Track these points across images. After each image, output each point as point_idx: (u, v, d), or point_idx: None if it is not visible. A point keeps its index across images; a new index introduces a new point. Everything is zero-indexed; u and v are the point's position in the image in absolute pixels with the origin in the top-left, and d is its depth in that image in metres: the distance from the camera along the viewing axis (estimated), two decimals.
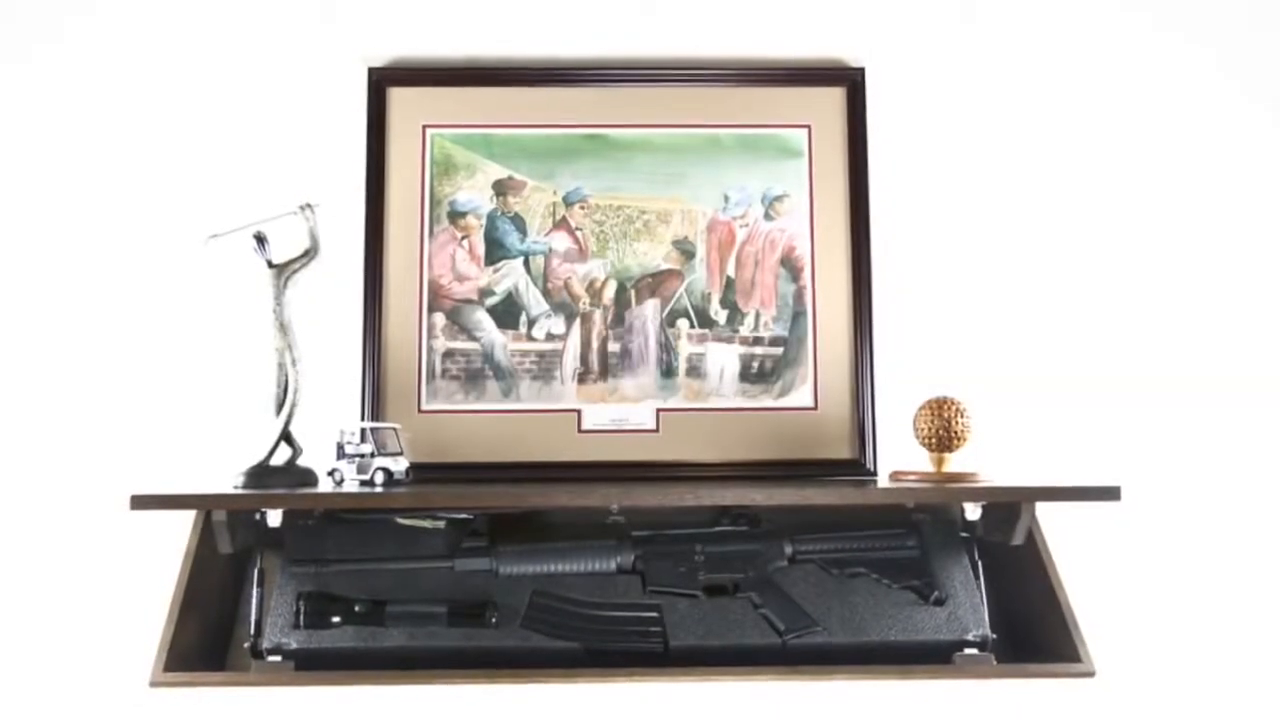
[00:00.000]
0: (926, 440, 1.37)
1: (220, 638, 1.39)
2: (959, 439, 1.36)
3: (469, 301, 1.53)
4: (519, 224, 1.54)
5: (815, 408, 1.52)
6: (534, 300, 1.53)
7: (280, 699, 1.38)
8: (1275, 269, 1.59)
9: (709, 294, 1.54)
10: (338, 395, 1.49)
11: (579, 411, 1.51)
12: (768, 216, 1.56)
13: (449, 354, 1.52)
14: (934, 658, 1.33)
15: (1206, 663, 1.47)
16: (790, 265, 1.55)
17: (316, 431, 1.37)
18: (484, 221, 1.54)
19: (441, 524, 1.38)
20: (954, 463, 1.37)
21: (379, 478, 1.33)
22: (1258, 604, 1.50)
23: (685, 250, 1.55)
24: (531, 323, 1.53)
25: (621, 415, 1.51)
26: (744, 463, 1.50)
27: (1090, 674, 1.31)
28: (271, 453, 1.33)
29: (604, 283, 1.54)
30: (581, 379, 1.52)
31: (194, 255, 1.49)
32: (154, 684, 1.27)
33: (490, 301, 1.53)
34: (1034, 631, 1.38)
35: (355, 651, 1.31)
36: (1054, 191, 1.59)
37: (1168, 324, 1.58)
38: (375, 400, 1.49)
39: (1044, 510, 1.41)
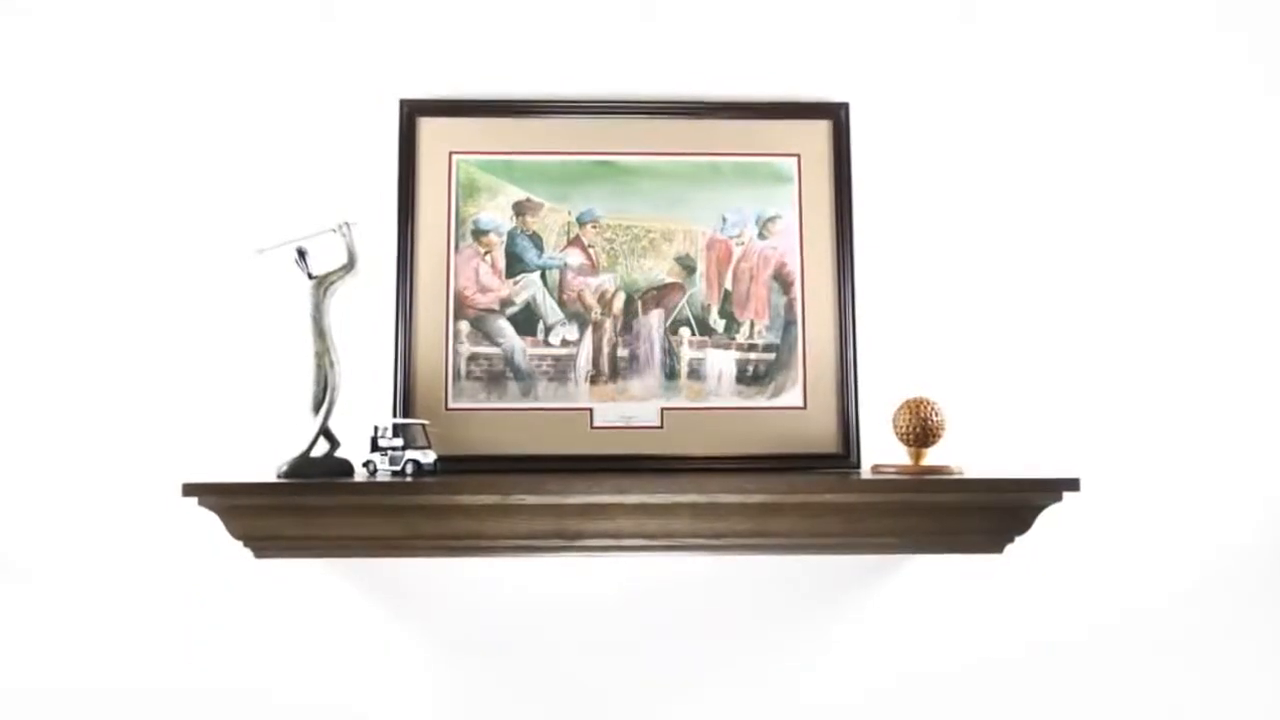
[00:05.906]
0: (905, 436, 1.38)
1: None
2: (934, 435, 1.37)
3: (491, 311, 1.53)
4: (536, 241, 1.55)
5: (804, 407, 1.53)
6: (550, 310, 1.54)
7: None
8: (1215, 277, 1.60)
9: (708, 305, 1.55)
10: (372, 394, 1.49)
11: (591, 410, 1.52)
12: (761, 236, 1.57)
13: (473, 358, 1.52)
14: None
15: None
16: (781, 279, 1.56)
17: (353, 427, 1.40)
18: (505, 239, 1.55)
19: None
20: (930, 456, 1.39)
21: (409, 469, 1.34)
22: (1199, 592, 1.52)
23: (687, 266, 1.56)
24: (548, 330, 1.54)
25: (629, 413, 1.52)
26: (739, 456, 1.50)
27: None
28: (312, 445, 1.34)
29: (613, 294, 1.55)
30: (593, 381, 1.52)
31: (244, 268, 1.51)
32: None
33: (510, 311, 1.54)
34: None
35: None
36: (1015, 210, 1.60)
37: (1111, 337, 1.59)
38: (406, 399, 1.49)
39: None
